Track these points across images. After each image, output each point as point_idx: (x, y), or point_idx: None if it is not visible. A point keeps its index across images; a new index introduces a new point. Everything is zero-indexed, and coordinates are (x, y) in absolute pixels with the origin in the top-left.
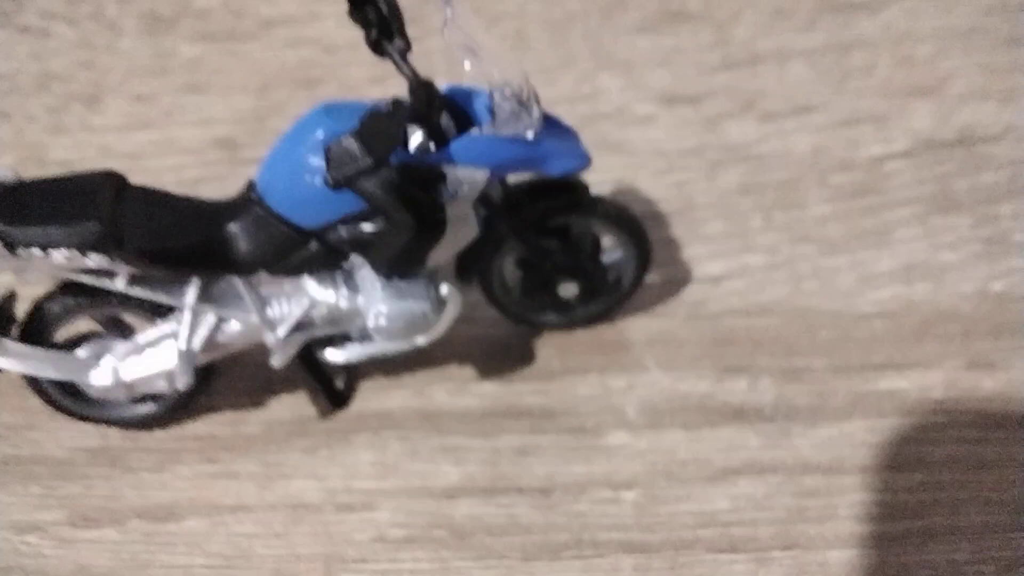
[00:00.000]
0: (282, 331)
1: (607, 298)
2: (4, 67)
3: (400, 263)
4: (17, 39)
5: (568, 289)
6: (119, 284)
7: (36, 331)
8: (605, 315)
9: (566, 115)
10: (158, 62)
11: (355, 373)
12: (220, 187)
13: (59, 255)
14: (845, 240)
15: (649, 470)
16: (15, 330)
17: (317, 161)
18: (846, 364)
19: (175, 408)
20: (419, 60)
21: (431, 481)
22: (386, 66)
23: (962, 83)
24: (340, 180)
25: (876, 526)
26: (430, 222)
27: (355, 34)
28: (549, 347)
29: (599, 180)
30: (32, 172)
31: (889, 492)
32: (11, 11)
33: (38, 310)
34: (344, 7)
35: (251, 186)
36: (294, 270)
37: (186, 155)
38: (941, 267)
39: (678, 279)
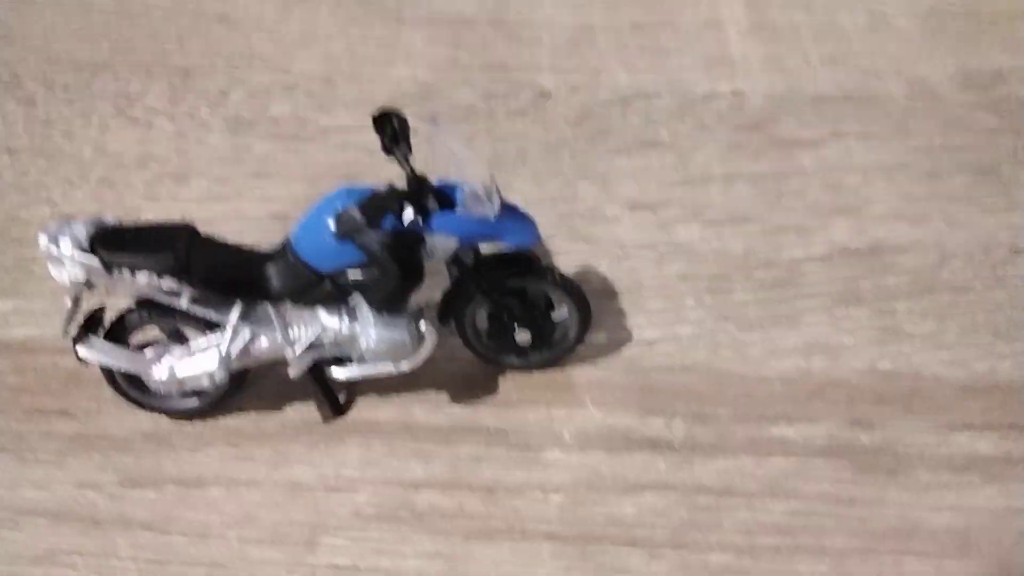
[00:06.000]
0: (299, 348)
1: (556, 348)
2: (114, 147)
3: (389, 301)
4: (127, 126)
5: (523, 336)
6: (183, 303)
7: (117, 335)
8: (556, 362)
9: (549, 211)
10: (236, 153)
11: (354, 389)
12: None
13: (142, 277)
14: (760, 321)
15: (574, 480)
16: (102, 333)
17: (332, 223)
18: (746, 415)
19: (213, 404)
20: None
21: (402, 475)
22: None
23: (881, 207)
24: (342, 234)
25: (753, 539)
26: (412, 273)
27: None
28: (509, 383)
29: (569, 262)
30: None
31: (766, 513)
32: (124, 106)
33: (121, 319)
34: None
35: (286, 240)
36: (311, 302)
37: (249, 223)
38: (839, 347)
39: (620, 340)
